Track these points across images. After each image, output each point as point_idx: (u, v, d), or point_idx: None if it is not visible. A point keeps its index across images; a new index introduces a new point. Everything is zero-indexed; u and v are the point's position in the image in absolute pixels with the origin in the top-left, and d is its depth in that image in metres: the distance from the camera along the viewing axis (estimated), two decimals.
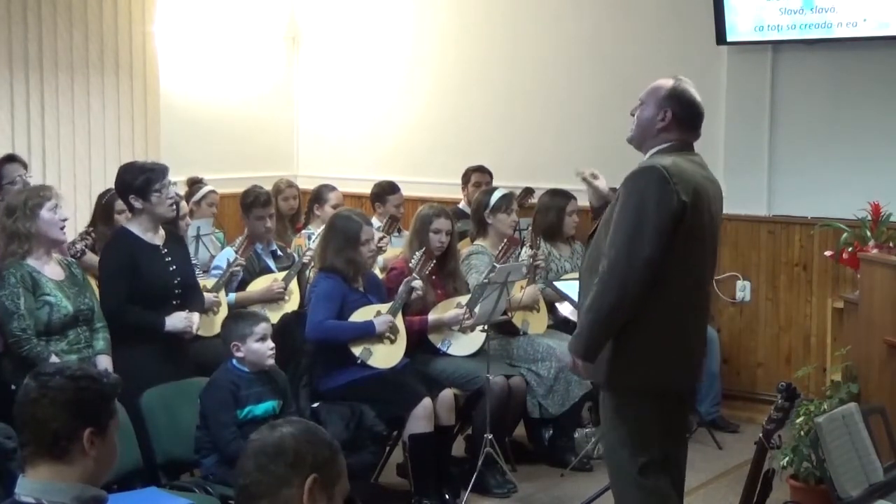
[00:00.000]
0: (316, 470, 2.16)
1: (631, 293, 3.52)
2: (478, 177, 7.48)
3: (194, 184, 7.09)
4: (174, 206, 4.90)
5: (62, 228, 4.63)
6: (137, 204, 4.76)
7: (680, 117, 3.70)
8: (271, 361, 4.51)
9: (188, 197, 6.71)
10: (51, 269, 4.56)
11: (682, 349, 3.67)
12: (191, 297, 4.93)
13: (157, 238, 4.84)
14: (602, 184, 4.34)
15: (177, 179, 5.60)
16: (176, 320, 4.76)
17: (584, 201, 6.72)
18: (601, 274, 3.54)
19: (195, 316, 4.86)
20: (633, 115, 3.78)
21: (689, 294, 3.64)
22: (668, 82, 3.73)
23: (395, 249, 6.41)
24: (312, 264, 5.69)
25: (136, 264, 4.72)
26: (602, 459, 5.85)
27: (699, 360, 3.79)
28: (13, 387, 4.22)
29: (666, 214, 3.48)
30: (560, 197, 6.42)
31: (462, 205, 7.35)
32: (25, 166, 6.12)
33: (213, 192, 6.95)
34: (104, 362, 4.55)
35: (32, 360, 4.24)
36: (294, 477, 2.15)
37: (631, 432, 3.65)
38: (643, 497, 3.64)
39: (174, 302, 4.82)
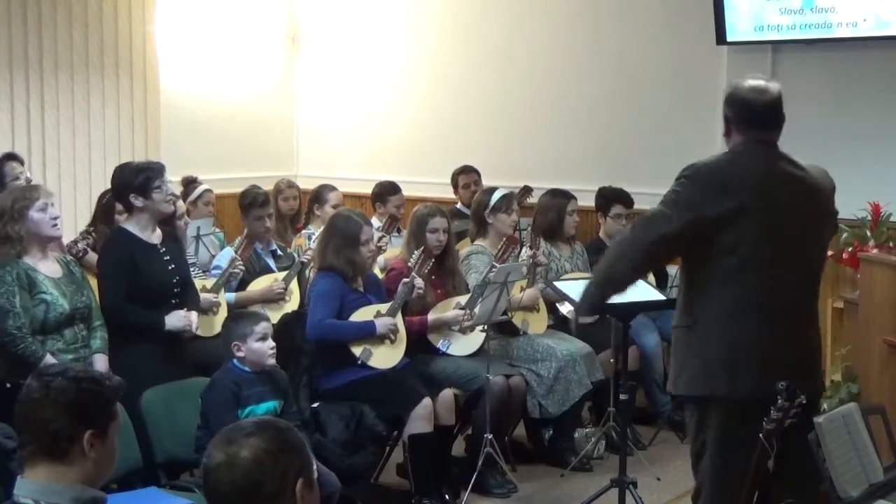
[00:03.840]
0: (299, 474, 2.12)
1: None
2: (465, 178, 7.48)
3: (189, 183, 7.07)
4: (172, 204, 4.91)
5: (54, 226, 4.57)
6: (138, 202, 4.76)
7: (736, 120, 3.59)
8: (272, 361, 4.51)
9: (184, 197, 6.69)
10: (47, 267, 4.52)
11: (743, 353, 3.51)
12: (188, 296, 4.94)
13: (155, 237, 4.83)
14: None
15: (173, 179, 5.60)
16: (175, 319, 4.76)
17: (583, 201, 6.77)
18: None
19: (194, 315, 4.86)
20: None
21: (747, 295, 3.49)
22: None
23: (394, 249, 6.41)
24: (312, 264, 5.69)
25: (135, 263, 4.72)
26: (602, 459, 5.89)
27: (782, 363, 3.48)
28: (7, 385, 4.22)
29: (682, 208, 3.47)
30: (560, 197, 6.42)
31: (460, 205, 7.35)
32: (22, 163, 6.11)
33: (208, 190, 6.93)
34: (100, 361, 4.52)
35: (27, 359, 4.24)
36: (286, 489, 2.11)
37: (710, 443, 3.61)
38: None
39: (173, 301, 4.83)
